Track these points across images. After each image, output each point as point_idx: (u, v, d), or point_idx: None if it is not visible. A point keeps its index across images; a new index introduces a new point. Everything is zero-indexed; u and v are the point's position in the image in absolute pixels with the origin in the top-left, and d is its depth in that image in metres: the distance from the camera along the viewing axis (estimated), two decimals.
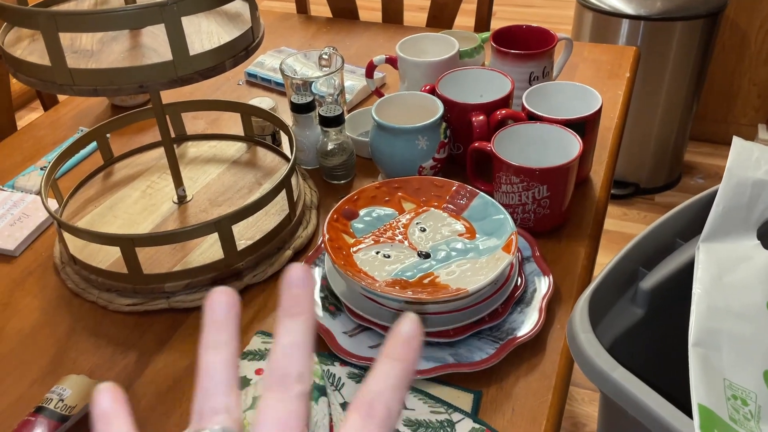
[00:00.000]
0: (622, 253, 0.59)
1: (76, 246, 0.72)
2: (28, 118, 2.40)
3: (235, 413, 0.26)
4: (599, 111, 0.77)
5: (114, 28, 0.54)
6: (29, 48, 0.62)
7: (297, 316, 0.27)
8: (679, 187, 1.99)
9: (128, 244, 0.65)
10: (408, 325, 0.26)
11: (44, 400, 0.56)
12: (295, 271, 0.27)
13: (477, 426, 0.54)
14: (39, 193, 0.87)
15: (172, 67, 0.57)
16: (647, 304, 0.60)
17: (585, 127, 0.76)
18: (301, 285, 0.27)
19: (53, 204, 0.80)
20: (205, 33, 0.64)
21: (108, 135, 0.85)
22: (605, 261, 0.60)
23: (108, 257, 0.71)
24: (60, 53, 0.54)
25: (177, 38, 0.56)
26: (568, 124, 0.75)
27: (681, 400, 0.47)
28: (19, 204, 0.83)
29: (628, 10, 1.75)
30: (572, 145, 0.73)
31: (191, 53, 0.58)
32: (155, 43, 0.62)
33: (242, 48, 0.63)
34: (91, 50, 0.61)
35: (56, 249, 0.76)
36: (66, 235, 0.72)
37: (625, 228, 1.83)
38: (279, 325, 0.27)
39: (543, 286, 0.67)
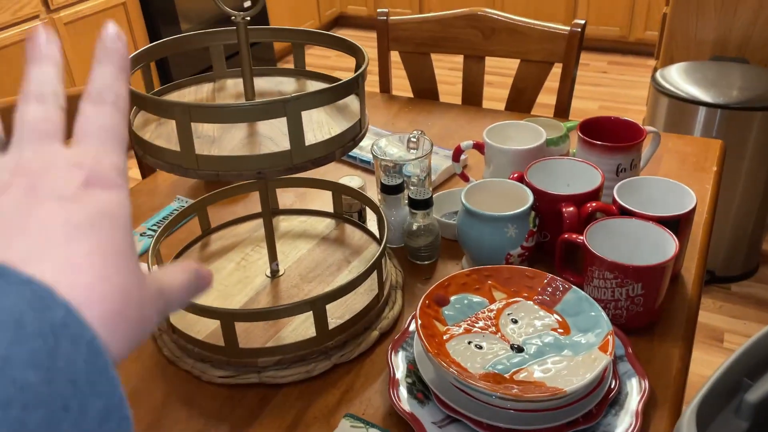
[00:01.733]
0: (726, 364, 0.57)
1: (175, 314, 0.75)
2: None
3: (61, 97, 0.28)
4: (693, 209, 0.77)
5: (241, 121, 0.58)
6: (156, 132, 0.67)
7: (109, 64, 0.29)
8: (757, 277, 1.92)
9: (228, 318, 0.67)
10: (109, 30, 0.29)
11: None
12: (110, 28, 0.29)
13: None
14: (140, 257, 0.91)
15: (288, 156, 0.61)
16: (752, 416, 0.58)
17: (679, 224, 0.76)
18: (116, 39, 0.29)
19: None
20: (315, 123, 0.68)
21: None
22: None
23: (205, 328, 0.74)
24: (190, 141, 0.59)
25: (296, 130, 0.60)
26: (663, 221, 0.75)
27: None
28: None
29: (706, 98, 1.75)
30: (667, 243, 0.72)
31: (306, 143, 0.62)
32: (271, 132, 0.66)
33: (350, 138, 0.66)
34: (213, 136, 0.65)
35: None
36: None
37: (700, 317, 1.77)
38: (93, 69, 0.29)
39: (638, 388, 0.65)
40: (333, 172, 1.12)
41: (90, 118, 0.27)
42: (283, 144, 0.64)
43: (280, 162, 0.61)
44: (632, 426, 0.61)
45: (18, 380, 0.19)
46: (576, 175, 0.88)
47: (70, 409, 0.20)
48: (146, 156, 0.63)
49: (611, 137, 0.94)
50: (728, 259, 1.90)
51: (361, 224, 0.92)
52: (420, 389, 0.67)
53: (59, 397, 0.20)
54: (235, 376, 0.70)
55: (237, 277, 0.82)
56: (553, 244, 0.85)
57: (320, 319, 0.70)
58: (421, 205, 0.84)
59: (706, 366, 1.61)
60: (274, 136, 0.65)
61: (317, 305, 0.69)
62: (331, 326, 0.72)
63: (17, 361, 0.19)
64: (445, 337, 0.66)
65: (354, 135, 0.67)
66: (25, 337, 0.20)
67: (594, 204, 0.79)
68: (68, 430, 0.20)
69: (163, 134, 0.66)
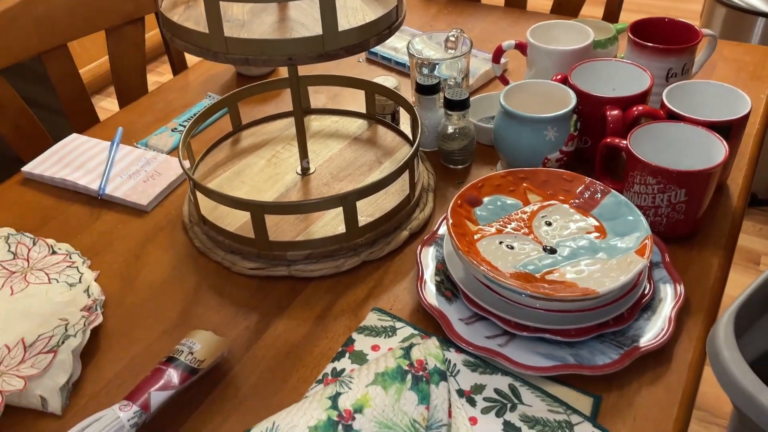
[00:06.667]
0: (766, 274, 0.55)
1: (205, 207, 0.75)
2: None
3: None
4: (747, 115, 0.72)
5: (272, 0, 0.55)
6: (185, 14, 0.64)
7: None
8: None
9: (259, 210, 0.67)
10: None
11: (175, 351, 0.59)
12: None
13: (597, 431, 0.53)
14: (170, 152, 0.91)
15: (320, 42, 0.58)
16: None
17: (730, 131, 0.72)
18: None
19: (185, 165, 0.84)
20: (350, 9, 0.65)
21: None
22: None
23: (235, 221, 0.74)
24: (218, 21, 0.56)
25: (329, 13, 0.56)
26: (713, 126, 0.70)
27: None
28: (152, 162, 0.87)
29: (766, 7, 1.63)
30: (716, 149, 0.69)
31: (339, 29, 0.59)
32: (302, 17, 0.63)
33: (386, 26, 0.63)
34: (243, 20, 0.63)
35: (185, 208, 0.80)
36: (198, 196, 0.75)
37: (739, 240, 1.73)
38: None
39: (672, 294, 0.64)
40: (366, 73, 1.09)
41: None
42: (316, 30, 0.61)
43: (311, 47, 0.58)
44: (664, 331, 0.60)
45: None
46: (623, 78, 0.83)
47: None
48: (174, 39, 0.61)
49: (664, 40, 0.89)
50: None
51: (394, 126, 0.89)
52: (448, 288, 0.67)
53: None
54: (265, 269, 0.70)
55: (267, 174, 0.81)
56: (593, 150, 0.82)
57: (350, 215, 0.69)
58: (457, 105, 0.81)
59: (742, 288, 1.59)
60: (306, 21, 0.62)
61: (348, 200, 0.68)
62: (361, 223, 0.71)
63: None
64: (476, 237, 0.65)
65: (390, 23, 0.63)
66: None
67: (640, 107, 0.75)
68: None
69: (192, 17, 0.63)
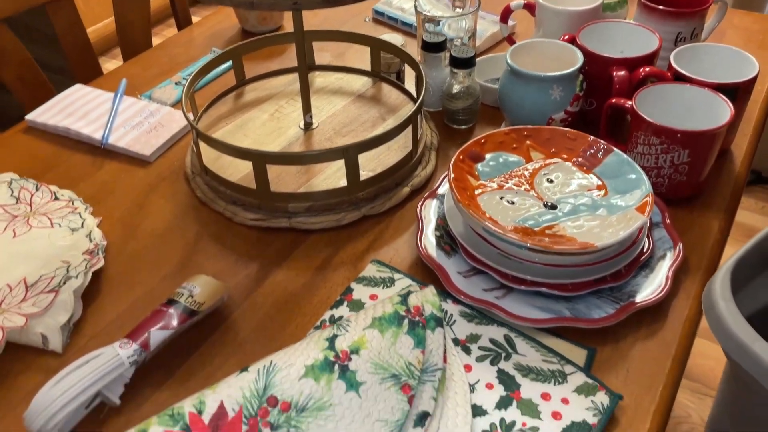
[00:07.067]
0: (764, 231, 0.55)
1: (208, 157, 0.75)
2: None
3: None
4: (755, 78, 0.72)
5: None
6: None
7: None
8: None
9: (261, 159, 0.67)
10: None
11: (175, 293, 0.60)
12: None
13: (590, 381, 0.53)
14: (174, 105, 0.91)
15: None
16: None
17: (737, 94, 0.71)
18: None
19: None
20: None
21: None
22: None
23: (237, 173, 0.74)
24: None
25: None
26: (719, 88, 0.70)
27: None
28: (156, 114, 0.87)
29: None
30: (721, 111, 0.68)
31: None
32: None
33: None
34: None
35: (188, 159, 0.80)
36: (200, 146, 0.75)
37: (740, 217, 1.73)
38: None
39: (671, 254, 0.64)
40: (373, 32, 1.07)
41: None
42: None
43: None
44: (661, 287, 0.60)
45: None
46: (632, 41, 0.82)
47: None
48: None
49: (674, 5, 0.87)
50: None
51: (398, 83, 0.89)
52: (448, 242, 0.67)
53: None
54: (266, 220, 0.71)
55: (270, 128, 0.81)
56: (598, 112, 0.81)
57: (352, 168, 0.69)
58: (462, 63, 0.81)
59: None
60: None
61: (349, 153, 0.68)
62: (362, 178, 0.71)
63: None
64: (477, 192, 0.65)
65: None
66: None
67: (647, 68, 0.75)
68: None
69: None
